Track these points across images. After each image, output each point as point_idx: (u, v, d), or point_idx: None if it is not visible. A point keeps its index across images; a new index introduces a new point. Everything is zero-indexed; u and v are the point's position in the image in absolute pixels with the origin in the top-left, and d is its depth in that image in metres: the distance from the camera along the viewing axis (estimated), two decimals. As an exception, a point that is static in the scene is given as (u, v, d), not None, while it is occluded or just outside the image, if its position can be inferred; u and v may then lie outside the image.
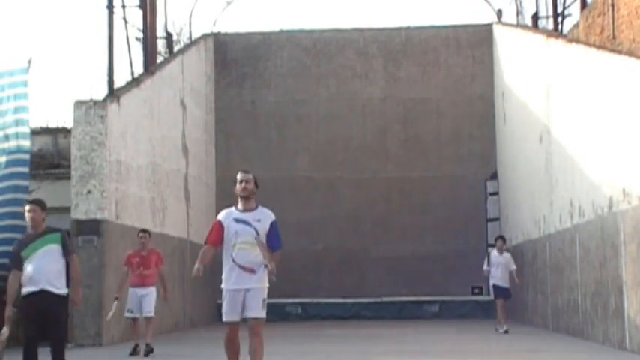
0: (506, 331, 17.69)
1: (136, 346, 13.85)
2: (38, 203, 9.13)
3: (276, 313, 24.69)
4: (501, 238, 18.93)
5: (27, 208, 9.03)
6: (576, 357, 13.10)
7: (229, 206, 8.80)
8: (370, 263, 25.49)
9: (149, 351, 13.63)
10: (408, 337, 17.66)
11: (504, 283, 18.25)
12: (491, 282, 18.42)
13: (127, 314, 13.98)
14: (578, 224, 15.89)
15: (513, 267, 18.27)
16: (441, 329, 19.90)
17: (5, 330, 8.94)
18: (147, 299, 13.78)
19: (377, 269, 25.52)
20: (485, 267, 18.51)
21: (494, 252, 18.52)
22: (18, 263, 8.95)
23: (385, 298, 25.32)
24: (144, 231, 14.18)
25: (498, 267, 18.16)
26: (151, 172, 19.13)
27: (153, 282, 13.89)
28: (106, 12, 18.52)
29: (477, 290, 25.29)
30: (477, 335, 18.00)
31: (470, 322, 22.83)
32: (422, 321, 23.48)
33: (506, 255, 18.36)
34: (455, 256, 25.13)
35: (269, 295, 8.76)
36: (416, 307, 25.23)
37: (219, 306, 8.73)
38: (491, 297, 24.82)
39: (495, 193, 25.25)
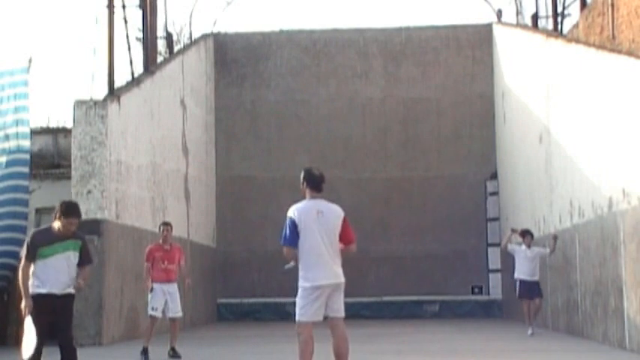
0: (531, 334, 16.54)
1: (146, 349, 12.92)
2: (78, 216, 8.86)
3: (276, 313, 24.71)
4: (529, 233, 17.38)
5: (69, 220, 8.76)
6: (576, 357, 13.10)
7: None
8: (370, 263, 25.48)
9: (177, 356, 12.99)
10: (408, 337, 17.65)
11: (531, 277, 16.94)
12: (516, 276, 17.15)
13: (151, 312, 13.05)
14: (578, 224, 15.89)
15: (547, 251, 16.99)
16: (441, 329, 19.90)
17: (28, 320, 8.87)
18: (174, 298, 13.07)
19: (377, 269, 25.52)
20: (509, 247, 17.40)
21: (522, 247, 17.24)
22: (34, 256, 8.76)
23: (385, 298, 25.34)
24: (166, 224, 13.43)
25: (525, 261, 16.98)
26: (151, 171, 19.13)
27: (176, 278, 13.16)
28: (106, 12, 18.52)
29: (476, 290, 25.32)
30: (477, 335, 17.99)
31: (470, 321, 22.83)
32: (422, 321, 23.48)
33: (535, 249, 17.14)
34: (455, 256, 25.15)
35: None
36: (416, 307, 25.24)
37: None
38: (491, 296, 25.19)
39: (495, 193, 25.27)
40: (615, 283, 13.44)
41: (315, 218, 8.33)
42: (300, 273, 8.40)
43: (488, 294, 25.21)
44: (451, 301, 25.20)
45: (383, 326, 21.24)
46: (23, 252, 8.94)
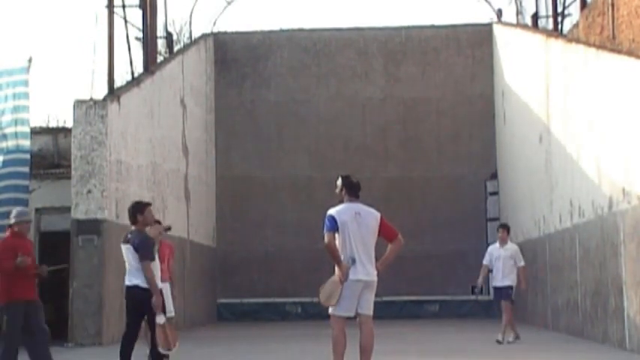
0: (508, 342, 14.87)
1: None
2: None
3: (276, 313, 24.71)
4: (503, 226, 15.54)
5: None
6: (576, 357, 13.10)
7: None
8: (370, 263, 25.44)
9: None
10: (408, 337, 17.65)
11: (504, 281, 14.84)
12: (492, 282, 15.41)
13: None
14: (578, 224, 15.89)
15: (521, 263, 14.94)
16: (441, 329, 19.90)
17: (162, 317, 9.57)
18: (168, 298, 12.29)
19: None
20: (484, 262, 15.09)
21: (494, 245, 15.23)
22: None
23: (385, 298, 25.25)
24: (157, 222, 12.49)
25: (497, 262, 14.84)
26: (151, 171, 19.13)
27: (167, 278, 12.46)
28: (106, 11, 18.53)
29: (477, 290, 25.29)
30: (477, 335, 18.00)
31: (470, 322, 22.83)
32: (422, 321, 23.48)
33: (510, 247, 15.04)
34: (455, 256, 25.12)
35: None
36: (416, 307, 25.24)
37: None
38: (491, 296, 25.11)
39: (495, 193, 25.26)
40: (615, 283, 13.44)
41: (353, 218, 8.95)
42: (337, 269, 8.84)
43: (489, 294, 25.16)
44: (451, 301, 25.19)
45: (383, 326, 21.22)
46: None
